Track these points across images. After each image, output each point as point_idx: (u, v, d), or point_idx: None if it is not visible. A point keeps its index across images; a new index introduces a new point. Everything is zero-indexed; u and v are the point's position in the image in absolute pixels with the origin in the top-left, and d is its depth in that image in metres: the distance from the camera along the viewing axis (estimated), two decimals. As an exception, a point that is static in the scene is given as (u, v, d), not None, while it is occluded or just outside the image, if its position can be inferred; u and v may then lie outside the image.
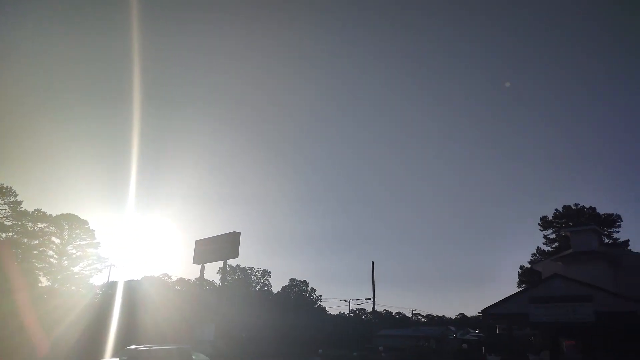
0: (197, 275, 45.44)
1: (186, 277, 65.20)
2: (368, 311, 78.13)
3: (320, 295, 73.91)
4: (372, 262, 46.86)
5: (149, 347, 18.45)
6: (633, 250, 38.33)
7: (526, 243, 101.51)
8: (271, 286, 68.95)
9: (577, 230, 28.95)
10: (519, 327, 32.04)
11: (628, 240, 46.57)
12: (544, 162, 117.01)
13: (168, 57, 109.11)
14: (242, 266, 67.10)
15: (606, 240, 46.18)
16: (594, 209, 48.66)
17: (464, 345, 43.50)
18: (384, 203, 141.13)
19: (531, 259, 47.92)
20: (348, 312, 77.30)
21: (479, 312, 27.19)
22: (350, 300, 69.03)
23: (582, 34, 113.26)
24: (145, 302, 37.83)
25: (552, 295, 22.74)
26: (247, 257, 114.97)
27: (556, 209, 49.75)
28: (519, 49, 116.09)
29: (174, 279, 63.12)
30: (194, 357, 21.10)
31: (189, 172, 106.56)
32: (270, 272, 69.08)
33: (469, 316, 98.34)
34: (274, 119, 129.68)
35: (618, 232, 47.77)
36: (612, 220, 47.77)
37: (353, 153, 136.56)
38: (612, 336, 22.77)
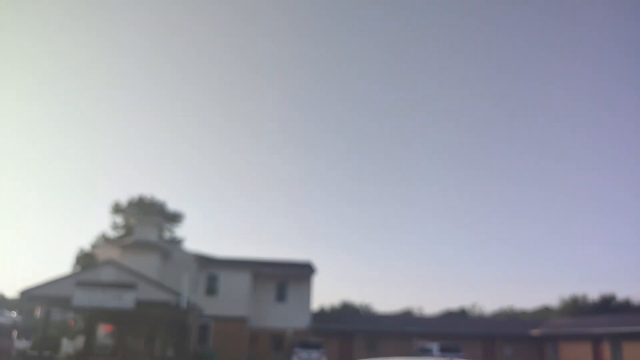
0: None
1: None
2: None
3: None
4: None
5: None
6: (186, 247, 42.50)
7: (94, 226, 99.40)
8: None
9: (142, 221, 29.76)
10: (63, 310, 30.39)
11: (185, 238, 51.94)
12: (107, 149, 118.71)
13: None
14: None
15: (168, 235, 49.98)
16: (165, 203, 52.10)
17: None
18: None
19: (93, 243, 46.66)
20: None
21: (19, 293, 23.98)
22: None
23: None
24: None
25: (101, 281, 22.40)
26: None
27: (132, 197, 50.66)
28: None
29: None
30: None
31: None
32: None
33: (9, 297, 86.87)
34: None
35: (179, 229, 52.65)
36: (178, 218, 52.31)
37: None
38: (147, 322, 24.28)
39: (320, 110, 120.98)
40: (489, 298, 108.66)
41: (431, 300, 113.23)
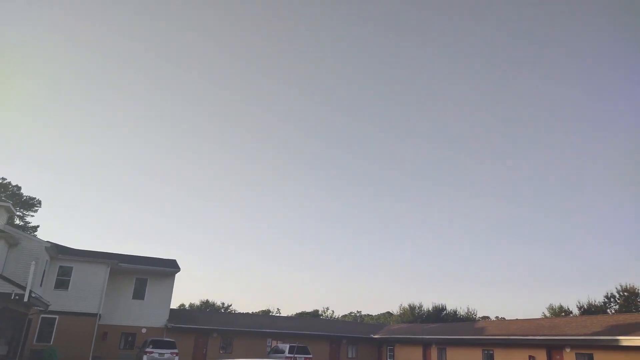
0: None
1: None
2: None
3: None
4: None
5: None
6: (40, 236, 39.86)
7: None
8: None
9: (-12, 205, 27.43)
10: None
11: (38, 226, 48.41)
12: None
13: None
14: None
15: (18, 222, 46.23)
16: (20, 187, 48.16)
17: None
18: None
19: None
20: None
21: None
22: None
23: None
24: None
25: None
26: None
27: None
28: None
29: None
30: None
31: None
32: None
33: None
34: None
35: (33, 216, 48.91)
36: (32, 204, 48.53)
37: None
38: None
39: (192, 106, 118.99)
40: (340, 303, 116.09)
41: (289, 303, 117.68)
